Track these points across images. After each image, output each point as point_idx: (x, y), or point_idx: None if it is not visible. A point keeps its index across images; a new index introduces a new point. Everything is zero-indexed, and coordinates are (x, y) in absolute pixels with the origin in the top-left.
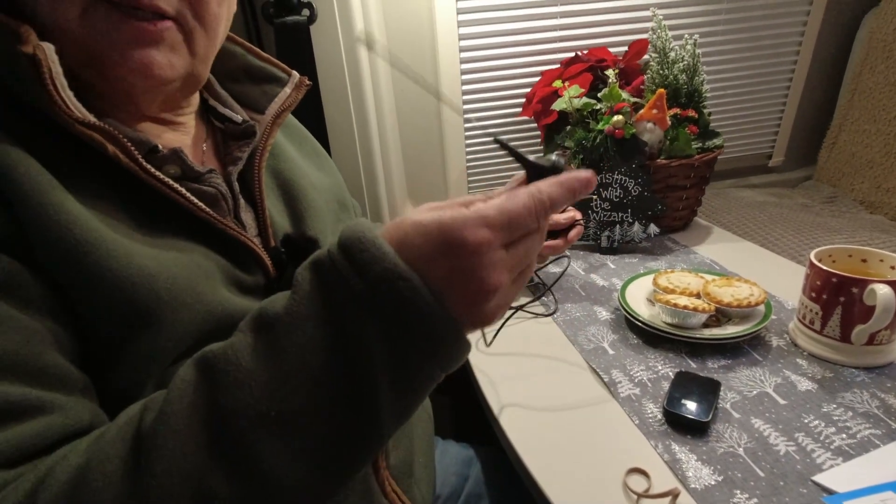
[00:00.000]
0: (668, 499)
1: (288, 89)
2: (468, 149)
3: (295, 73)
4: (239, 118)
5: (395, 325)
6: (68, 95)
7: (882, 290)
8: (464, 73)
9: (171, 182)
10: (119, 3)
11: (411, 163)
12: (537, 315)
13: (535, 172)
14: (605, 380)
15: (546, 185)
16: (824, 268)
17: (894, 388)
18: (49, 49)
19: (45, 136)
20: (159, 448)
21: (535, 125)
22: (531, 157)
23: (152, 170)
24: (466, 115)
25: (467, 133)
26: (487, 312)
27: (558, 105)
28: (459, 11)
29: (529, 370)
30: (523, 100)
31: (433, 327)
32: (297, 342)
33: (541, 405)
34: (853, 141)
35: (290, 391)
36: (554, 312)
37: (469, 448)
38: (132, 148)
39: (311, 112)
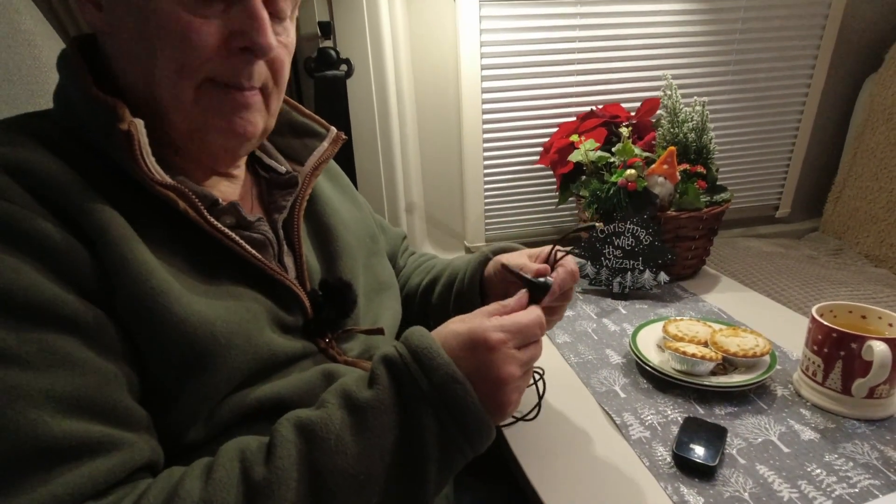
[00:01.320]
0: None
1: (326, 143)
2: (486, 195)
3: (333, 128)
4: (283, 169)
5: (447, 417)
6: (151, 162)
7: (878, 346)
8: (485, 122)
9: (230, 234)
10: (225, 84)
11: (432, 208)
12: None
13: (533, 288)
14: (617, 422)
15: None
16: (825, 323)
17: (893, 440)
18: (139, 124)
19: (128, 192)
20: (274, 496)
21: (552, 173)
22: (529, 277)
23: (215, 223)
24: (486, 163)
25: (486, 181)
26: (503, 401)
27: (575, 157)
28: (484, 67)
29: (545, 411)
30: (541, 148)
31: (474, 420)
32: (381, 424)
33: (556, 444)
34: (857, 196)
35: (374, 460)
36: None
37: (485, 484)
38: (199, 203)
39: (343, 158)
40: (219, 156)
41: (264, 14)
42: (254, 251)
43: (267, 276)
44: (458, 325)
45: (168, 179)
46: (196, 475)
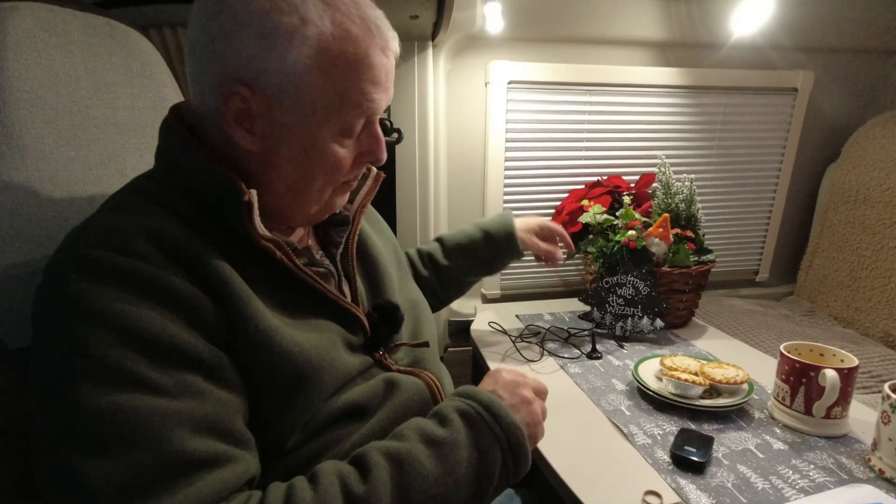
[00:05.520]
0: None
1: (369, 182)
2: None
3: (374, 168)
4: (337, 209)
5: (508, 455)
6: (258, 222)
7: (830, 373)
8: (506, 185)
9: (312, 275)
10: (346, 184)
11: None
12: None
13: None
14: (625, 431)
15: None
16: (791, 356)
17: (845, 452)
18: (254, 194)
19: (234, 243)
20: None
21: None
22: None
23: (301, 266)
24: None
25: None
26: (534, 434)
27: (584, 218)
28: (508, 140)
29: (565, 424)
30: (553, 210)
31: (525, 457)
32: (456, 458)
33: (576, 448)
34: (825, 266)
35: (449, 484)
36: None
37: (510, 489)
38: (290, 251)
39: (387, 209)
40: (313, 222)
41: (381, 134)
42: (329, 288)
43: (338, 306)
44: (492, 384)
45: (268, 234)
46: (305, 486)
